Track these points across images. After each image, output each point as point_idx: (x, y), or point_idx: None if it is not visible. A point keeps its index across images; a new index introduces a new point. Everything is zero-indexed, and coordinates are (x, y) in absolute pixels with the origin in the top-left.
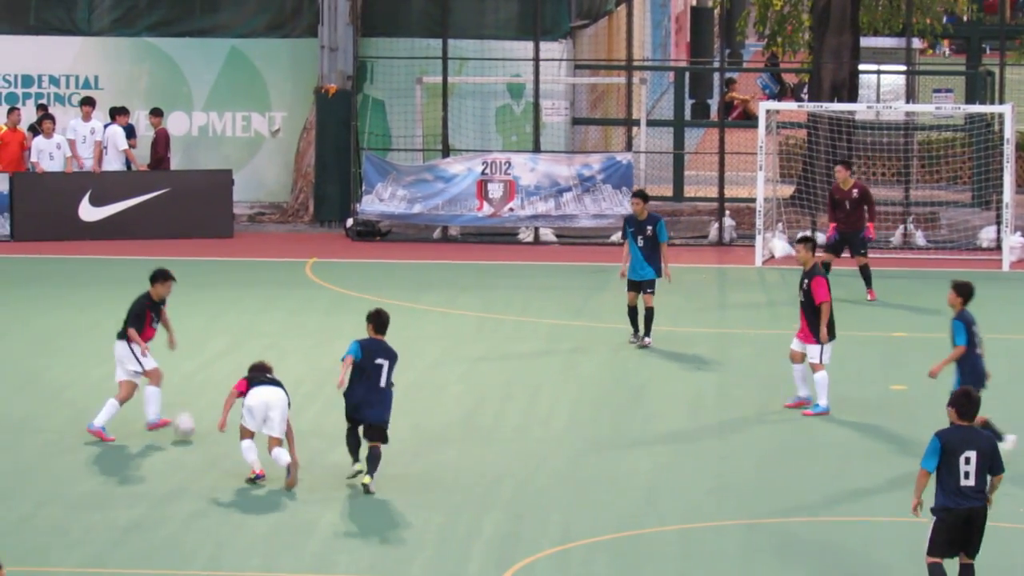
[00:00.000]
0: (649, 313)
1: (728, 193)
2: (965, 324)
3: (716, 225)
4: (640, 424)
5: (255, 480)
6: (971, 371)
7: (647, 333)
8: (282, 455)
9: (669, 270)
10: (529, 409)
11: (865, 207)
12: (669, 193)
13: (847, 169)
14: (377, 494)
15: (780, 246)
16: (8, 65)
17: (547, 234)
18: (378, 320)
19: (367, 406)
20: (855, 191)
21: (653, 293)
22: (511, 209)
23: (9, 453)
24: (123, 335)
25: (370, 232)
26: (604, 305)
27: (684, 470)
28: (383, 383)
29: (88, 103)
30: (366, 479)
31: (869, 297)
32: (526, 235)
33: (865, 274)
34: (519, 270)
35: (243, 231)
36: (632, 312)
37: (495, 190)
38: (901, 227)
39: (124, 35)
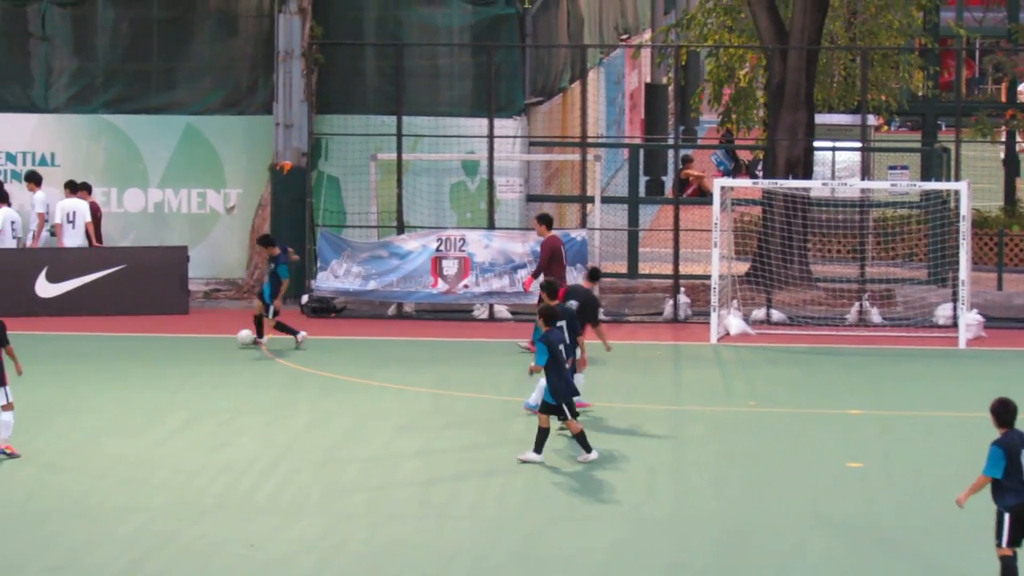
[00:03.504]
0: None
1: (683, 270)
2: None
3: (671, 302)
4: (595, 501)
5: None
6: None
7: None
8: None
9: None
10: (484, 486)
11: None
12: (624, 270)
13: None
14: (330, 566)
15: (735, 323)
16: None
17: (502, 311)
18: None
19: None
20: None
21: None
22: (466, 286)
23: None
24: None
25: (325, 309)
26: None
27: (640, 547)
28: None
29: (33, 179)
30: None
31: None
32: (481, 312)
33: None
34: (474, 347)
35: (198, 307)
36: None
37: (450, 267)
38: (857, 304)
39: (81, 112)
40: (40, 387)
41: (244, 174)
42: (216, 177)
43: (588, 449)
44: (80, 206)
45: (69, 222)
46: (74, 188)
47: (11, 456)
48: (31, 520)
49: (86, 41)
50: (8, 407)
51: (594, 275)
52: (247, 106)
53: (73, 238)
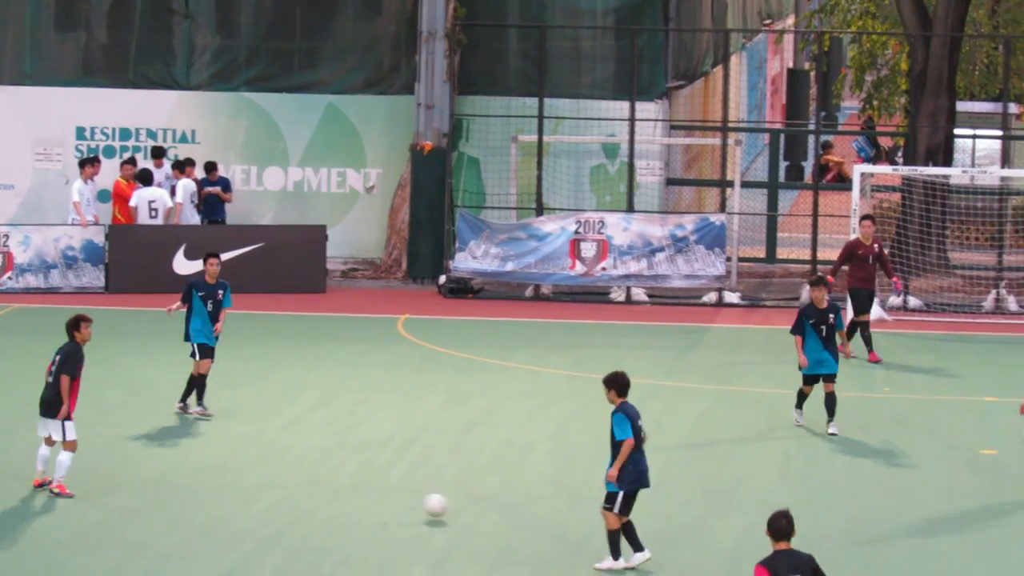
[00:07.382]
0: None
1: (821, 255)
2: (627, 416)
3: (808, 287)
4: (730, 485)
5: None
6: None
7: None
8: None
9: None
10: None
11: (879, 263)
12: (762, 254)
13: (873, 224)
14: (462, 546)
15: (873, 309)
16: (106, 118)
17: (639, 294)
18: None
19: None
20: (875, 246)
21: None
22: (604, 268)
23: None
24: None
25: (462, 289)
26: (695, 365)
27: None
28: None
29: (190, 163)
30: None
31: (870, 359)
32: (618, 295)
33: (867, 334)
34: (611, 329)
35: (336, 287)
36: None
37: (588, 249)
38: (993, 292)
39: (222, 90)
40: (176, 364)
41: (384, 154)
42: (356, 157)
43: (616, 555)
44: (191, 185)
45: (192, 203)
46: (182, 167)
47: (63, 496)
48: (164, 496)
49: (229, 19)
50: (70, 445)
51: None
52: (389, 86)
53: (194, 216)
